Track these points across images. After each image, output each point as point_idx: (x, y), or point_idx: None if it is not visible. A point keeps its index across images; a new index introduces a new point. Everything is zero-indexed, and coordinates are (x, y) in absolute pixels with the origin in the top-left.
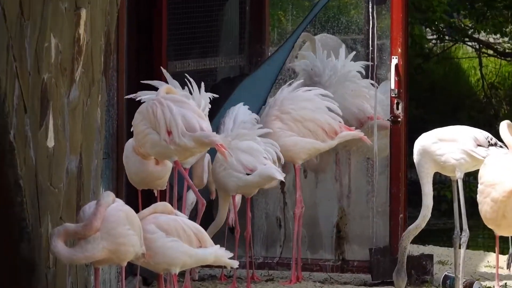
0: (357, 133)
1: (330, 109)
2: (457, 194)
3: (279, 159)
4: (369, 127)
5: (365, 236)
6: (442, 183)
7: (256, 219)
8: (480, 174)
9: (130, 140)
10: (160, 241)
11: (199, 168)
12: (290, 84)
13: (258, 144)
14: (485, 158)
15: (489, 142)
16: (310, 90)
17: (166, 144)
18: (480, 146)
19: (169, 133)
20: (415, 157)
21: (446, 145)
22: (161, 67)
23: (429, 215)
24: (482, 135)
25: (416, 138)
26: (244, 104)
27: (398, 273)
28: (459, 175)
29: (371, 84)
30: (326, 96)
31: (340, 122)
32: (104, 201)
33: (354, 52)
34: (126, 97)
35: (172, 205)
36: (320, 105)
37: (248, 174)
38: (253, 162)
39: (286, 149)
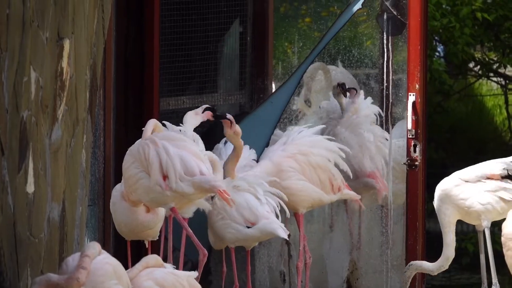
0: (355, 196)
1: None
2: (484, 245)
3: (283, 211)
4: (362, 183)
5: None
6: (463, 233)
7: (257, 273)
8: (503, 225)
9: (118, 185)
10: None
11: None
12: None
13: (263, 190)
14: None
15: None
16: (331, 140)
17: (162, 190)
18: (507, 184)
19: (165, 177)
20: (436, 202)
21: (471, 188)
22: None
23: (447, 267)
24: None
25: (435, 184)
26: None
27: None
28: (485, 224)
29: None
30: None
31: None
32: (90, 253)
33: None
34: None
35: (167, 258)
36: (336, 158)
37: (248, 227)
38: (254, 215)
39: (291, 192)
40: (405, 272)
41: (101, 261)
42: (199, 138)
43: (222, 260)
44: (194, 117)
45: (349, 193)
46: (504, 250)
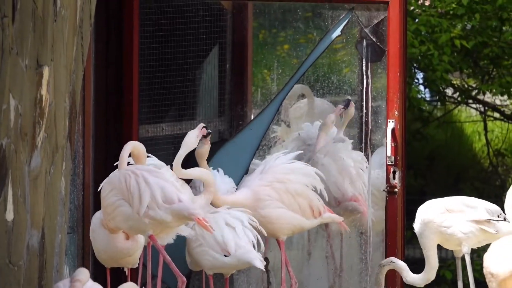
0: (337, 218)
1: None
2: (463, 272)
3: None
4: (345, 208)
5: None
6: (442, 261)
7: None
8: (484, 256)
9: (98, 212)
10: None
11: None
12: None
13: (239, 219)
14: (495, 233)
15: (498, 216)
16: (307, 166)
17: (139, 218)
18: (490, 220)
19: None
20: (418, 226)
21: (454, 217)
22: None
23: (422, 285)
24: (493, 208)
25: (414, 211)
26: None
27: None
28: (465, 250)
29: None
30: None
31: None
32: (81, 278)
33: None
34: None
35: (145, 285)
36: (313, 183)
37: (226, 255)
38: (232, 244)
39: (269, 221)
40: (382, 265)
41: (90, 287)
42: (166, 166)
43: (202, 286)
44: (195, 140)
45: (330, 216)
46: (487, 280)
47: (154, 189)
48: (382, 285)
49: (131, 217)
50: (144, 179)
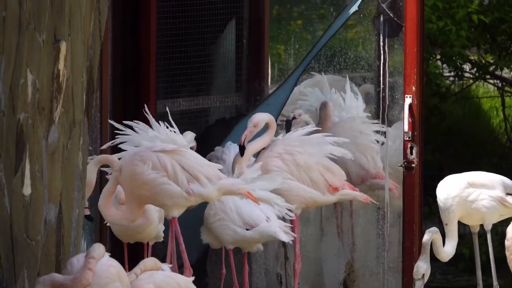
0: (360, 195)
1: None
2: (484, 248)
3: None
4: (370, 185)
5: None
6: (460, 237)
7: (254, 276)
8: (507, 229)
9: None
10: None
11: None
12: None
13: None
14: None
15: None
16: (323, 137)
17: (188, 196)
18: (510, 194)
19: (189, 182)
20: (441, 200)
21: (478, 192)
22: (145, 107)
23: (447, 259)
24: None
25: (432, 186)
26: None
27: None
28: (487, 225)
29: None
30: (338, 143)
31: (345, 179)
32: (95, 254)
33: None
34: (112, 122)
35: (167, 260)
36: (328, 153)
37: (247, 229)
38: (254, 217)
39: (279, 192)
40: (429, 232)
41: (105, 263)
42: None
43: (221, 262)
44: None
45: (351, 193)
46: (508, 254)
47: (200, 166)
48: (428, 252)
49: (177, 194)
50: (185, 158)
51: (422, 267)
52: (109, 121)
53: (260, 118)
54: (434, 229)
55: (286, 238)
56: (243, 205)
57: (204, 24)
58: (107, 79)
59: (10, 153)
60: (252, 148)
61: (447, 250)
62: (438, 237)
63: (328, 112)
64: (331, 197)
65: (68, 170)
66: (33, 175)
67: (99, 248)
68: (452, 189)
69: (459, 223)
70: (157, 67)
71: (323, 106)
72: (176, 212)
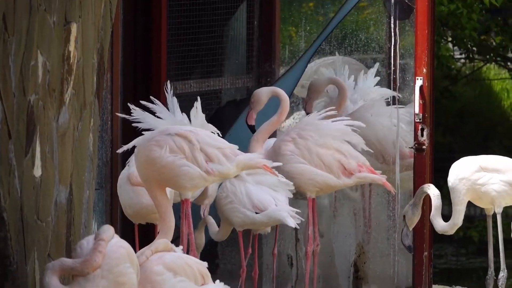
0: (379, 178)
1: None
2: (492, 230)
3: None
4: (406, 165)
5: (386, 276)
6: (469, 221)
7: (264, 257)
8: None
9: (125, 169)
10: (169, 283)
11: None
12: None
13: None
14: None
15: None
16: (339, 120)
17: (207, 176)
18: None
19: (207, 161)
20: (451, 181)
21: (489, 176)
22: (165, 83)
23: (451, 232)
24: None
25: (443, 168)
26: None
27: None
28: (498, 209)
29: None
30: (355, 127)
31: (362, 161)
32: (105, 236)
33: (375, 71)
34: (119, 115)
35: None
36: (344, 137)
37: (257, 213)
38: (264, 201)
39: (291, 176)
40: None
41: (115, 244)
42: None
43: (248, 242)
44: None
45: (369, 176)
46: None
47: (216, 144)
48: (420, 208)
49: (196, 175)
50: (201, 137)
51: (404, 210)
52: (118, 114)
53: (258, 92)
54: (436, 191)
55: (293, 223)
56: (253, 190)
57: (215, 5)
58: (118, 61)
59: (20, 135)
60: (264, 128)
61: (443, 225)
62: (438, 202)
63: (343, 95)
64: (347, 181)
65: (78, 151)
66: (43, 156)
67: (108, 230)
68: (461, 171)
69: (470, 206)
70: (168, 49)
71: (340, 89)
72: (191, 194)
